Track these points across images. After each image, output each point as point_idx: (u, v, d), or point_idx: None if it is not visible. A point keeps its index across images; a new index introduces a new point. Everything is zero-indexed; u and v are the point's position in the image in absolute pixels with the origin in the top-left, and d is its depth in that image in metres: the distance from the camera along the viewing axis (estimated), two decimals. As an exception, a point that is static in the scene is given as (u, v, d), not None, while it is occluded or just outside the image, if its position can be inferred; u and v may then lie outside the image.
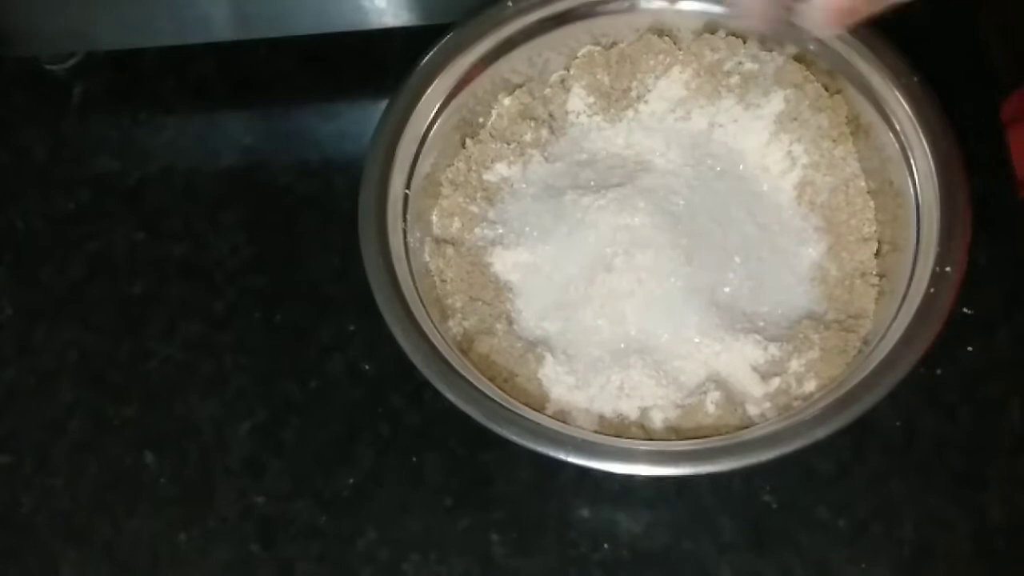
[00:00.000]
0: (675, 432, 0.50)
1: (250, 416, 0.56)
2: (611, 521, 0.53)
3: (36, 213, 0.62)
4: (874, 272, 0.53)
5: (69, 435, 0.56)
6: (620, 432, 0.50)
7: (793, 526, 0.53)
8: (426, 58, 0.54)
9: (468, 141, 0.57)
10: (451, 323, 0.53)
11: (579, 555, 0.52)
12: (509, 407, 0.48)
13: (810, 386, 0.50)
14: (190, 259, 0.60)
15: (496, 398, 0.48)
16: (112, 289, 0.60)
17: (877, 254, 0.54)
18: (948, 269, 0.48)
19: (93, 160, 0.64)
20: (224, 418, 0.56)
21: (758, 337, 0.51)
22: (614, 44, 0.58)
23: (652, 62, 0.58)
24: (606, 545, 0.53)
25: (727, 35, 0.57)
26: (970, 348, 0.56)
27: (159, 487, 0.55)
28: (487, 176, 0.57)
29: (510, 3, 0.55)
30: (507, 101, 0.58)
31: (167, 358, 0.58)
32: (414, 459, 0.55)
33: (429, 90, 0.54)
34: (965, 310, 0.56)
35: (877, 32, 0.53)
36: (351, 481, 0.55)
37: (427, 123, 0.54)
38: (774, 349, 0.51)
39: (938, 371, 0.55)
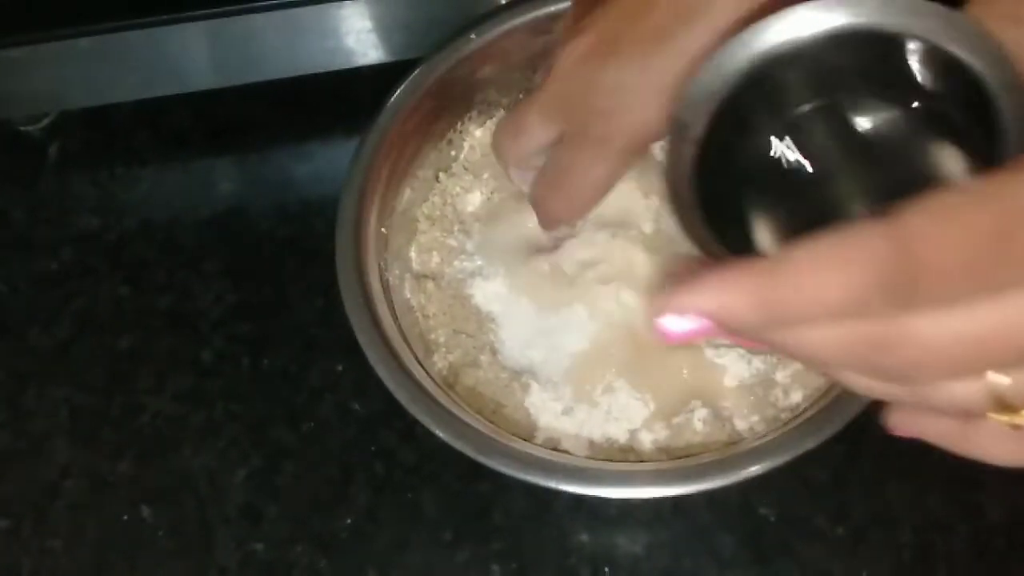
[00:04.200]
0: (665, 452, 0.50)
1: (244, 463, 0.56)
2: (610, 545, 0.53)
3: (19, 275, 0.62)
4: None
5: (65, 495, 0.56)
6: (610, 456, 0.50)
7: (792, 538, 0.53)
8: (394, 95, 0.54)
9: (442, 175, 0.58)
10: (435, 358, 0.53)
11: (580, 581, 0.53)
12: (499, 439, 0.48)
13: (796, 397, 0.51)
14: (175, 310, 0.61)
15: (485, 431, 0.48)
16: (100, 346, 0.60)
17: None
18: None
19: (73, 218, 0.64)
20: (218, 467, 0.56)
21: (741, 351, 0.51)
22: None
23: None
24: (607, 569, 0.53)
25: None
26: (957, 347, 0.56)
27: (158, 541, 0.55)
28: (463, 208, 0.57)
29: (473, 35, 0.55)
30: (478, 132, 0.58)
31: (158, 411, 0.58)
32: (410, 495, 0.55)
33: (398, 126, 0.54)
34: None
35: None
36: (349, 521, 0.55)
37: (399, 160, 0.55)
38: (758, 363, 0.51)
39: (927, 372, 0.55)
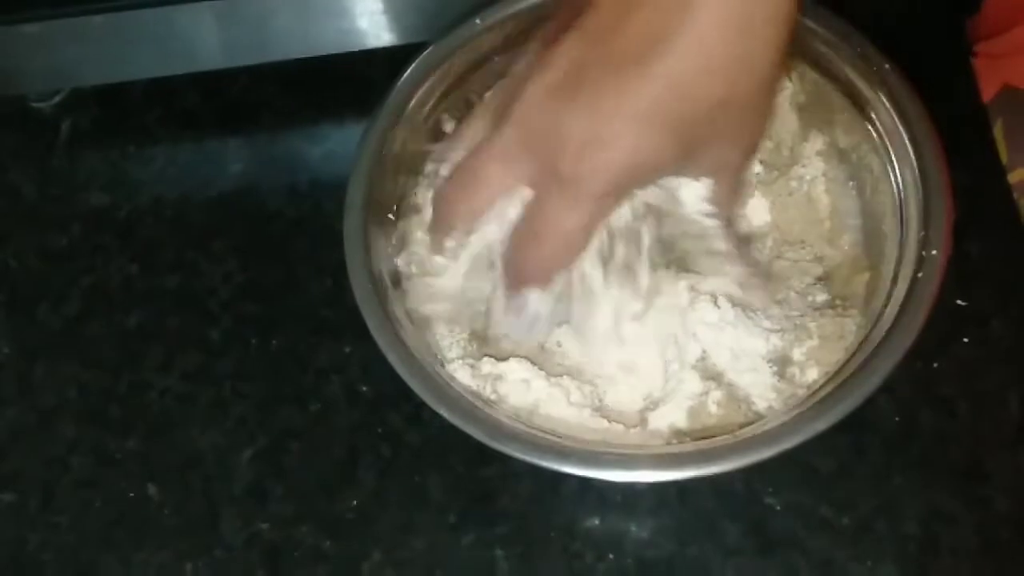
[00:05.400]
0: (680, 435, 0.50)
1: (251, 443, 0.56)
2: (615, 530, 0.53)
3: (29, 251, 0.62)
4: (863, 258, 0.54)
5: (72, 471, 0.56)
6: (621, 439, 0.50)
7: (797, 527, 0.53)
8: (403, 77, 0.54)
9: None
10: (445, 342, 0.53)
11: (584, 566, 0.52)
12: (507, 422, 0.48)
13: (813, 374, 0.50)
14: (184, 289, 0.61)
15: (494, 414, 0.48)
16: (109, 323, 0.60)
17: (863, 242, 0.54)
18: (934, 252, 0.48)
19: (83, 195, 0.64)
20: (225, 446, 0.56)
21: (759, 330, 0.51)
22: None
23: None
24: (611, 555, 0.53)
25: None
26: (966, 340, 0.56)
27: (164, 519, 0.55)
28: None
29: (478, 20, 0.55)
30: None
31: (166, 390, 0.58)
32: (416, 478, 0.55)
33: (408, 109, 0.54)
34: (959, 302, 0.56)
35: (844, 20, 0.53)
36: (355, 503, 0.55)
37: (408, 143, 0.54)
38: (776, 340, 0.51)
39: (935, 364, 0.55)
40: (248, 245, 0.61)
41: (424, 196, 0.55)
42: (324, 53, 0.62)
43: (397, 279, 0.52)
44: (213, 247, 0.62)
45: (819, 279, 0.54)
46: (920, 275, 0.48)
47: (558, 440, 0.47)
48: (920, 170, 0.50)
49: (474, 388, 0.50)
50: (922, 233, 0.49)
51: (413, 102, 0.54)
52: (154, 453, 0.57)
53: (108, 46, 0.60)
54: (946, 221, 0.49)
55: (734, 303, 0.51)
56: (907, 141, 0.51)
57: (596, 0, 0.41)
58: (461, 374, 0.51)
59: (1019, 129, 0.60)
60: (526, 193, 0.44)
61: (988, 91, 0.61)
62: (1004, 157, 0.60)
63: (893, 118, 0.52)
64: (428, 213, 0.53)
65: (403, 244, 0.53)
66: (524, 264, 0.45)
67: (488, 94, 0.55)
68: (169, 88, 0.65)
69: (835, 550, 0.52)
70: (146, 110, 0.66)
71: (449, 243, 0.48)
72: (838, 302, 0.53)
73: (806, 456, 0.54)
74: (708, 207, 0.46)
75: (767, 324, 0.51)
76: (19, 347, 0.60)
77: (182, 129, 0.65)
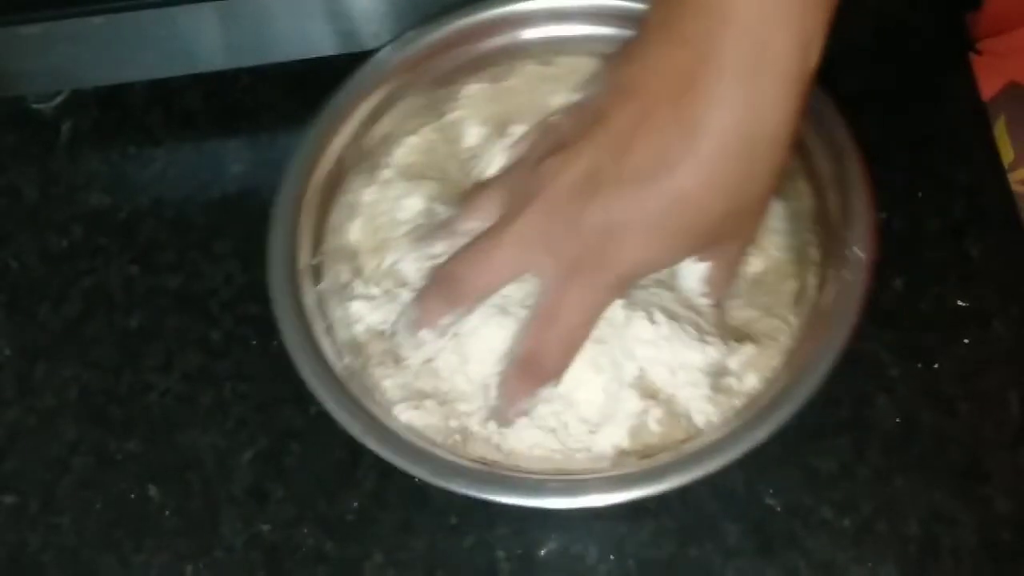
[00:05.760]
0: (627, 455, 0.49)
1: (252, 444, 0.56)
2: (616, 532, 0.53)
3: (30, 252, 0.62)
4: (790, 263, 0.54)
5: (73, 472, 0.56)
6: (569, 465, 0.50)
7: (798, 528, 0.52)
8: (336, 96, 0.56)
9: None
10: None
11: (586, 568, 0.52)
12: (456, 461, 0.48)
13: (752, 381, 0.50)
14: (185, 290, 0.61)
15: (441, 455, 0.48)
16: (109, 324, 0.60)
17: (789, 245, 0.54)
18: (859, 252, 0.49)
19: (84, 196, 0.64)
20: (226, 447, 0.56)
21: (695, 343, 0.50)
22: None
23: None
24: (612, 556, 0.53)
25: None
26: (966, 341, 0.56)
27: (164, 520, 0.55)
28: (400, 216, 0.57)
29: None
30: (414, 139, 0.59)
31: (167, 390, 0.58)
32: (416, 480, 0.55)
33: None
34: (959, 302, 0.56)
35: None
36: (355, 504, 0.55)
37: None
38: (712, 351, 0.50)
39: (935, 365, 0.55)
40: (249, 246, 0.61)
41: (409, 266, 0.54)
42: (325, 54, 0.62)
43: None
44: (214, 248, 0.62)
45: (749, 284, 0.54)
46: (846, 274, 0.48)
47: (499, 472, 0.48)
48: (837, 170, 0.51)
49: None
50: (846, 232, 0.49)
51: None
52: (154, 454, 0.57)
53: (108, 47, 0.60)
54: (868, 217, 0.49)
55: (669, 316, 0.50)
56: (821, 140, 0.51)
57: (605, 114, 0.45)
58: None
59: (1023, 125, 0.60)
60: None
61: (991, 88, 0.61)
62: (1008, 153, 0.60)
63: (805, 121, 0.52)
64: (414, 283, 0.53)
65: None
66: (544, 346, 0.48)
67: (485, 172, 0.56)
68: (170, 89, 0.65)
69: (836, 551, 0.52)
70: (147, 111, 0.66)
71: (445, 320, 0.49)
72: (770, 306, 0.53)
73: (806, 457, 0.54)
74: (703, 287, 0.50)
75: (702, 335, 0.51)
76: (19, 348, 0.60)
77: (183, 130, 0.65)
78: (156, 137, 0.65)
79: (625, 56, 0.46)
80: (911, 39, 0.64)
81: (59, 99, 0.66)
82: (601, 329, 0.49)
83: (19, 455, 0.57)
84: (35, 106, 0.66)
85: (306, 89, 0.65)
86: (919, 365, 0.55)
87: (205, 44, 0.61)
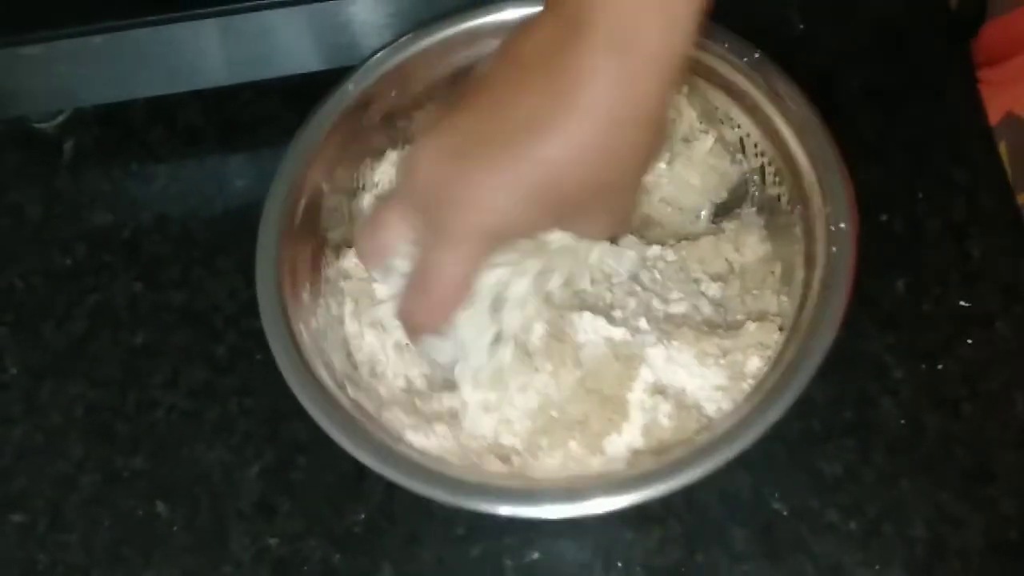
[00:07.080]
0: (639, 455, 0.49)
1: (258, 458, 0.57)
2: (623, 539, 0.53)
3: (35, 271, 0.63)
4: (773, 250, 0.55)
5: (81, 490, 0.57)
6: (587, 470, 0.50)
7: (804, 532, 0.53)
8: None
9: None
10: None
11: None
12: (464, 479, 0.48)
13: (756, 363, 0.50)
14: (190, 306, 0.61)
15: (447, 472, 0.48)
16: (114, 341, 0.60)
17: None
18: (843, 225, 0.49)
19: (87, 214, 0.64)
20: (233, 462, 0.57)
21: (692, 334, 0.51)
22: None
23: None
24: (620, 563, 0.53)
25: None
26: (969, 341, 0.56)
27: (173, 536, 0.55)
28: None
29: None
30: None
31: (173, 406, 0.58)
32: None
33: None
34: (962, 303, 0.56)
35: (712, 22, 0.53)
36: (362, 517, 0.55)
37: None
38: (713, 337, 0.51)
39: (939, 366, 0.55)
40: (252, 261, 0.61)
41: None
42: (325, 68, 0.62)
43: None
44: (217, 263, 0.62)
45: (739, 270, 0.55)
46: (834, 249, 0.49)
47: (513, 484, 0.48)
48: (807, 148, 0.51)
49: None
50: (827, 209, 0.49)
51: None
52: (162, 470, 0.57)
53: (109, 66, 0.60)
54: (847, 193, 0.49)
55: (674, 324, 0.51)
56: (787, 123, 0.52)
57: (489, 77, 0.46)
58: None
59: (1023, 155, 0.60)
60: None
61: (991, 118, 0.61)
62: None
63: (770, 104, 0.52)
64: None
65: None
66: (414, 313, 0.49)
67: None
68: (171, 106, 0.66)
69: (843, 554, 0.52)
70: (148, 128, 0.66)
71: (376, 274, 0.51)
72: (762, 288, 0.54)
73: (812, 461, 0.54)
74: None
75: (705, 331, 0.51)
76: (26, 366, 0.60)
77: (185, 146, 0.66)
78: (158, 154, 0.66)
79: (519, 27, 0.46)
80: (911, 39, 0.64)
81: (61, 118, 0.67)
82: (603, 348, 0.50)
83: (26, 473, 0.57)
84: (37, 126, 0.67)
85: (307, 103, 0.65)
86: (923, 367, 0.55)
87: (205, 60, 0.61)
